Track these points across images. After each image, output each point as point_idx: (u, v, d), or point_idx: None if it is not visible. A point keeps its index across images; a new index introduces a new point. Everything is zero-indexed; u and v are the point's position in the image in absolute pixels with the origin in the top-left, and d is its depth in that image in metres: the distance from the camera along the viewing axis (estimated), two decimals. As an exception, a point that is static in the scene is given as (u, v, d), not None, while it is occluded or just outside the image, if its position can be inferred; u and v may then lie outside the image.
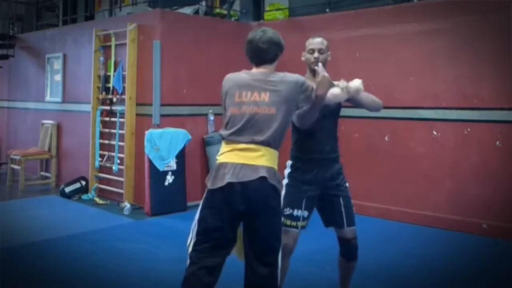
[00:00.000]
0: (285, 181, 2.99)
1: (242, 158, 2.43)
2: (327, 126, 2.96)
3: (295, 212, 2.93)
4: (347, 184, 3.03)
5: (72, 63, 7.53)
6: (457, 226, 5.17)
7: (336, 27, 6.14)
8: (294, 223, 2.92)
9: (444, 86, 5.40)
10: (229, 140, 2.49)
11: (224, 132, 2.53)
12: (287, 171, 3.02)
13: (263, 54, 2.57)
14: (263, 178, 2.40)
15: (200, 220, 2.48)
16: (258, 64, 2.60)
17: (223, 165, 2.45)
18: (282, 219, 2.86)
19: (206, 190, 2.50)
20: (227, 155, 2.47)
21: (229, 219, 2.42)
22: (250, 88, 2.52)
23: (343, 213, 2.95)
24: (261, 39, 2.57)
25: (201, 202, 2.52)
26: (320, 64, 2.79)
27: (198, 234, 2.47)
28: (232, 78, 2.63)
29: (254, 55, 2.61)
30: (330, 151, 2.97)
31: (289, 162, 3.03)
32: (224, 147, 2.52)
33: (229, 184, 2.38)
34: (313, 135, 2.92)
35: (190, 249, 2.47)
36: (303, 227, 2.97)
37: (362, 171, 5.85)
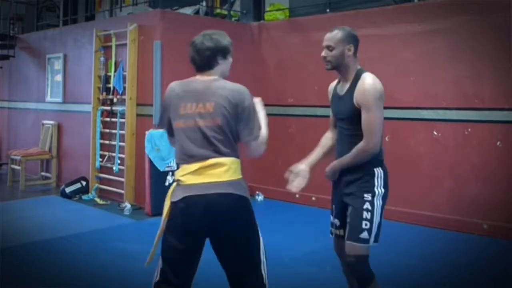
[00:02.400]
0: None
1: (204, 178, 2.31)
2: (341, 130, 2.80)
3: (331, 218, 2.89)
4: (365, 195, 2.67)
5: (73, 63, 7.53)
6: (457, 226, 5.17)
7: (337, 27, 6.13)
8: (331, 230, 2.88)
9: (444, 86, 5.40)
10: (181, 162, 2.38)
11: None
12: None
13: (196, 62, 2.45)
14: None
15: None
16: (198, 70, 2.47)
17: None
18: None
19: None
20: (185, 177, 2.34)
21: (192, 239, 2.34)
22: (194, 98, 2.37)
23: (347, 224, 2.70)
24: (194, 44, 2.47)
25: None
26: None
27: None
28: (175, 87, 2.48)
29: (191, 61, 2.48)
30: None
31: None
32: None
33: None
34: (339, 136, 2.82)
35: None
36: (341, 236, 2.81)
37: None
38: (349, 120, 2.70)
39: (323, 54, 2.74)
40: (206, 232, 2.33)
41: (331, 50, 2.71)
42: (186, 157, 2.34)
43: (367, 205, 2.65)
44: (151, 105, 6.11)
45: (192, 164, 2.32)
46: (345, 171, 2.72)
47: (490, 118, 5.10)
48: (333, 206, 2.86)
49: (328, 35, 2.75)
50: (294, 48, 6.59)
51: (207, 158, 2.29)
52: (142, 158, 6.10)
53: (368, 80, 2.65)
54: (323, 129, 2.92)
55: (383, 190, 2.70)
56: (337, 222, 2.83)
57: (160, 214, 5.97)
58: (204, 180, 2.29)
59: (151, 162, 5.87)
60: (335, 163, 2.74)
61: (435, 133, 5.46)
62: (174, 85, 2.49)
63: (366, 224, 2.63)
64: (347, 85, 2.74)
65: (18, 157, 7.39)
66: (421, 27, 5.54)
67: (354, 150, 2.65)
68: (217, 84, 2.38)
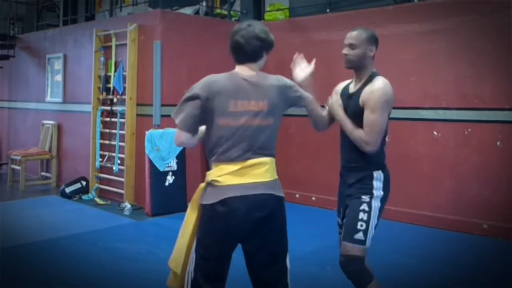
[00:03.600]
0: None
1: (245, 178, 2.25)
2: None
3: (338, 220, 2.87)
4: (363, 197, 2.68)
5: (73, 63, 7.53)
6: (457, 226, 5.17)
7: (337, 27, 6.13)
8: (339, 230, 2.84)
9: (444, 86, 5.40)
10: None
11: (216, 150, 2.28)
12: None
13: (242, 50, 2.31)
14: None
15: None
16: (240, 62, 2.35)
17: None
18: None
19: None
20: (223, 177, 2.25)
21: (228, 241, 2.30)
22: (246, 95, 2.27)
23: (343, 225, 2.72)
24: (243, 32, 2.30)
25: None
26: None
27: None
28: (218, 80, 2.29)
29: (236, 49, 2.33)
30: (349, 159, 2.76)
31: None
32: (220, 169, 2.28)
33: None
34: (341, 140, 2.81)
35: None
36: None
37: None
38: (352, 119, 2.69)
39: (344, 51, 2.72)
40: (245, 235, 2.27)
41: (353, 49, 2.70)
42: (227, 156, 2.24)
43: (364, 206, 2.65)
44: (151, 105, 6.11)
45: (232, 164, 2.23)
46: (347, 174, 2.76)
47: (490, 118, 5.09)
48: (339, 207, 2.87)
49: (352, 34, 2.71)
50: (294, 48, 6.56)
51: (250, 157, 2.24)
52: (142, 158, 6.10)
53: (379, 82, 2.69)
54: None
55: (381, 192, 2.70)
56: (340, 222, 2.84)
57: (160, 214, 5.95)
58: (245, 180, 2.23)
59: (151, 162, 5.87)
60: (341, 113, 2.73)
61: (435, 133, 5.45)
62: (217, 78, 2.29)
63: (361, 225, 2.62)
64: (358, 85, 2.76)
65: (18, 157, 7.39)
66: (421, 27, 5.54)
67: (357, 132, 2.63)
68: (264, 80, 2.33)
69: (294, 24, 6.80)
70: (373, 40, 2.72)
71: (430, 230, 5.27)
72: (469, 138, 5.23)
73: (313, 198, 6.32)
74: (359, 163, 2.72)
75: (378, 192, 2.69)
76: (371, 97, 2.63)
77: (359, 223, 2.62)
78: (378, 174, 2.72)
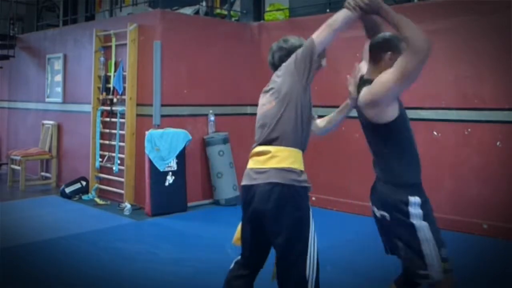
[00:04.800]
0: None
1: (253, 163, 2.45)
2: (370, 141, 2.71)
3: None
4: (412, 221, 2.48)
5: (73, 63, 7.53)
6: (457, 226, 5.17)
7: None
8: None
9: (444, 86, 5.40)
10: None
11: None
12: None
13: (270, 63, 2.61)
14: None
15: None
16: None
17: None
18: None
19: None
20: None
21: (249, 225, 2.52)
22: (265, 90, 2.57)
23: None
24: (271, 47, 2.61)
25: None
26: None
27: None
28: None
29: (269, 64, 2.63)
30: (379, 171, 2.69)
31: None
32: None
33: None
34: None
35: None
36: None
37: (363, 171, 5.82)
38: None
39: None
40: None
41: None
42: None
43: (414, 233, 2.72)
44: (151, 105, 6.11)
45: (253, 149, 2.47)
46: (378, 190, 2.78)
47: (490, 118, 5.09)
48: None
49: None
50: (294, 48, 6.58)
51: (260, 144, 2.42)
52: (142, 158, 6.10)
53: None
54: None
55: None
56: None
57: (160, 214, 5.96)
58: (252, 165, 2.43)
59: (151, 162, 5.87)
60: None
61: (435, 133, 5.45)
62: None
63: None
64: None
65: (18, 157, 7.39)
66: (421, 27, 5.52)
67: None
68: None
69: (294, 24, 6.80)
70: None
71: (430, 230, 5.26)
72: (469, 138, 5.22)
73: (313, 198, 6.30)
74: (387, 177, 2.72)
75: None
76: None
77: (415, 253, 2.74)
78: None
